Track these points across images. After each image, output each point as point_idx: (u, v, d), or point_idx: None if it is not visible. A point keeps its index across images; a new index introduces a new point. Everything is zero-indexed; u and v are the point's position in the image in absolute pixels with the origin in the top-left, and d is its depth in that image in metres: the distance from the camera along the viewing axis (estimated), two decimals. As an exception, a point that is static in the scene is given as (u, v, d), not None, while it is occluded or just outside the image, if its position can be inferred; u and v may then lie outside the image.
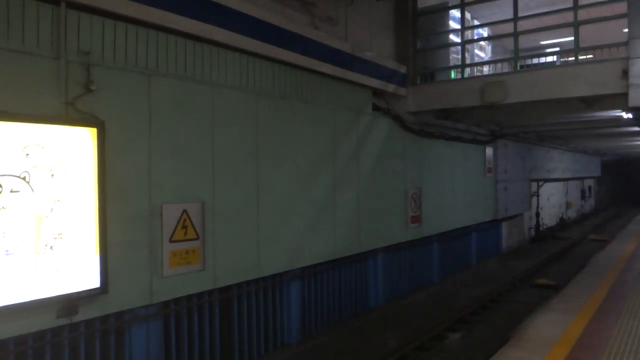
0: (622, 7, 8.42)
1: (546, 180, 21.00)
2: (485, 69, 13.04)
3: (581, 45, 8.86)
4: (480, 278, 13.04)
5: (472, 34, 12.67)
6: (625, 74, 7.93)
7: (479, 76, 11.08)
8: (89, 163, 4.72)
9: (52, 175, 4.42)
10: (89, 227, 4.70)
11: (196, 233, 5.87)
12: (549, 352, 4.98)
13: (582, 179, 29.87)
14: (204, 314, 6.29)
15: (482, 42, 14.26)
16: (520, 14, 9.54)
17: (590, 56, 10.18)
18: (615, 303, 6.74)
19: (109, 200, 4.88)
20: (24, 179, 4.23)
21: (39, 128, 4.35)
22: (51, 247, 4.41)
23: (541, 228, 20.79)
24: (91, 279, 4.72)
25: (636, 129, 14.84)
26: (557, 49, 14.56)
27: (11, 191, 4.16)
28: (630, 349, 5.02)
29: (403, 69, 10.09)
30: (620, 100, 8.38)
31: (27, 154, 4.25)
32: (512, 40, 9.65)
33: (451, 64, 11.37)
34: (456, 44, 11.18)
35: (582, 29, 8.88)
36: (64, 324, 4.66)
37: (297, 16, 7.66)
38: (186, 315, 6.08)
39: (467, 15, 11.92)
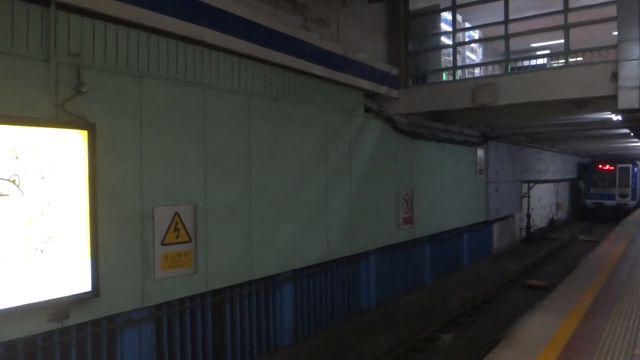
0: (611, 10, 8.50)
1: (537, 182, 21.14)
2: (477, 71, 13.12)
3: (571, 48, 8.93)
4: (472, 279, 13.09)
5: (464, 37, 12.73)
6: (614, 76, 8.01)
7: (470, 78, 11.15)
8: (80, 165, 4.68)
9: (42, 178, 4.39)
10: (80, 231, 4.67)
11: (188, 236, 5.85)
12: (540, 353, 4.99)
13: (572, 180, 30.07)
14: (196, 317, 6.27)
15: (473, 45, 14.35)
16: (511, 17, 9.60)
17: (580, 59, 10.26)
18: (605, 304, 6.78)
19: (100, 203, 4.85)
20: (13, 182, 4.19)
21: (29, 131, 4.32)
22: (42, 251, 4.38)
23: (532, 229, 20.91)
24: (82, 283, 4.68)
25: (625, 130, 14.98)
26: (548, 51, 14.69)
27: (0, 194, 4.12)
28: (620, 349, 5.06)
29: (395, 71, 10.12)
30: (609, 102, 8.45)
31: (16, 157, 4.21)
32: (503, 42, 9.72)
33: (443, 66, 11.43)
34: (448, 46, 11.23)
35: (572, 32, 8.95)
36: (55, 328, 4.62)
37: (289, 18, 7.67)
38: (178, 318, 6.05)
39: (459, 18, 12.00)
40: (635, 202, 26.90)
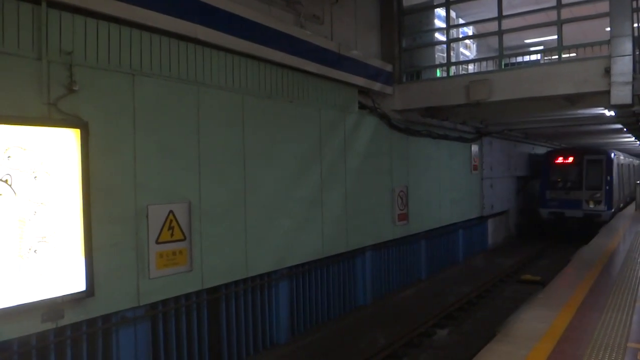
0: (604, 6, 8.53)
1: (531, 177, 21.19)
2: (471, 67, 13.14)
3: (564, 44, 8.96)
4: (467, 274, 13.14)
5: (457, 33, 12.74)
6: (607, 72, 8.04)
7: (464, 74, 11.17)
8: (73, 165, 4.66)
9: (35, 177, 4.36)
10: (73, 230, 4.65)
11: (183, 234, 5.84)
12: (535, 346, 5.03)
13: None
14: (192, 315, 6.26)
15: (467, 41, 14.37)
16: (504, 13, 9.61)
17: (574, 54, 10.30)
18: (599, 297, 6.83)
19: (93, 202, 4.83)
20: (5, 181, 4.16)
21: (21, 130, 4.29)
22: (35, 251, 4.35)
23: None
24: (77, 282, 4.66)
25: (618, 126, 15.04)
26: (541, 47, 14.72)
27: (-7, 194, 4.10)
28: (614, 342, 5.10)
29: (389, 68, 10.12)
30: (602, 98, 8.49)
31: (8, 157, 4.19)
32: (497, 38, 9.73)
33: (437, 62, 11.43)
34: (441, 42, 11.24)
35: (566, 28, 8.98)
36: (49, 328, 4.60)
37: (283, 15, 7.65)
38: (174, 317, 6.04)
39: (452, 14, 12.00)
40: (611, 211, 18.15)
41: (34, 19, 4.53)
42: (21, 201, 4.27)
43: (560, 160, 19.40)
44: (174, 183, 5.80)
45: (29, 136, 4.34)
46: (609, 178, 18.35)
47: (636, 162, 28.96)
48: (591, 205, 18.17)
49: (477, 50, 15.61)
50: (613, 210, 18.45)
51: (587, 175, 18.61)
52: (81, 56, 4.88)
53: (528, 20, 10.09)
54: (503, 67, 9.83)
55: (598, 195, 18.22)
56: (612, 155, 19.16)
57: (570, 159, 19.22)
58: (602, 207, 18.13)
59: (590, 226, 17.30)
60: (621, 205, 21.30)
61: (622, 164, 21.50)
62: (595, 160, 18.82)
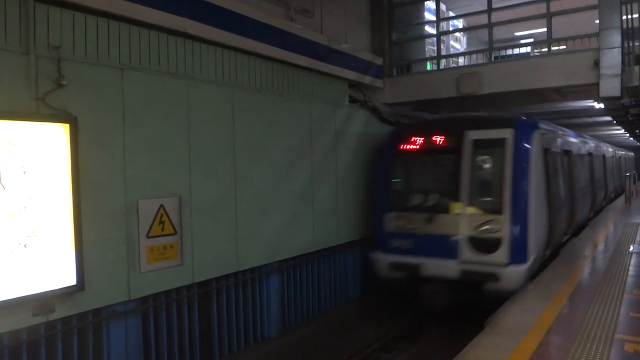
0: (593, -1, 8.59)
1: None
2: (461, 61, 13.17)
3: (554, 36, 9.00)
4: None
5: (448, 26, 12.78)
6: (596, 64, 8.10)
7: (454, 67, 11.19)
8: (62, 159, 4.64)
9: (24, 172, 4.34)
10: (63, 224, 4.63)
11: (173, 228, 5.83)
12: (523, 338, 5.08)
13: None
14: (182, 309, 6.27)
15: (457, 34, 14.41)
16: (494, 6, 9.65)
17: (563, 47, 10.36)
18: (588, 289, 6.91)
19: (83, 197, 4.81)
20: (-6, 176, 4.15)
21: (9, 125, 4.26)
22: (25, 246, 4.34)
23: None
24: (67, 277, 4.65)
25: (607, 118, 15.16)
26: (531, 40, 14.78)
27: (-19, 189, 4.08)
28: (601, 334, 5.16)
29: (379, 61, 10.12)
30: (592, 90, 8.56)
31: (-3, 152, 4.17)
32: (487, 31, 9.76)
33: (427, 55, 11.45)
34: (431, 35, 11.27)
35: (555, 20, 9.03)
36: (40, 322, 4.60)
37: (273, 8, 7.62)
38: (165, 311, 6.04)
39: (442, 7, 12.02)
40: (522, 266, 7.52)
41: (21, 13, 4.49)
42: (10, 196, 4.25)
43: (417, 144, 8.88)
44: (164, 177, 5.79)
45: (18, 131, 4.31)
46: (522, 180, 7.83)
47: (607, 151, 20.56)
48: (477, 253, 7.95)
49: (467, 43, 15.66)
50: (529, 263, 7.74)
51: (471, 178, 8.18)
52: (69, 50, 4.85)
53: (518, 12, 10.13)
54: (493, 60, 9.87)
55: (498, 225, 7.83)
56: (532, 128, 8.33)
57: (439, 141, 8.66)
58: (500, 256, 7.73)
59: (481, 298, 7.81)
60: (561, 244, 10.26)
61: (571, 153, 11.28)
62: (489, 143, 8.21)
